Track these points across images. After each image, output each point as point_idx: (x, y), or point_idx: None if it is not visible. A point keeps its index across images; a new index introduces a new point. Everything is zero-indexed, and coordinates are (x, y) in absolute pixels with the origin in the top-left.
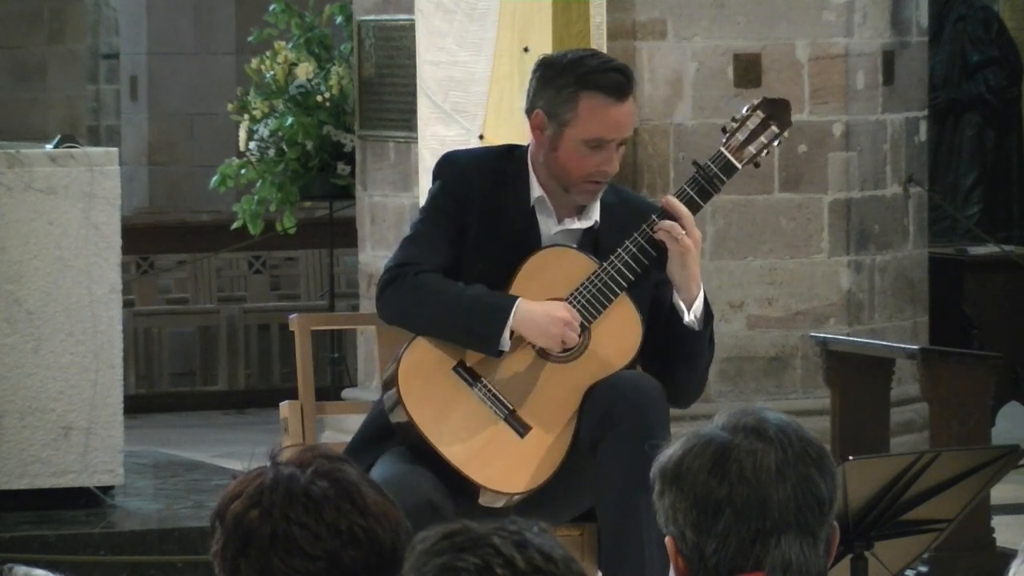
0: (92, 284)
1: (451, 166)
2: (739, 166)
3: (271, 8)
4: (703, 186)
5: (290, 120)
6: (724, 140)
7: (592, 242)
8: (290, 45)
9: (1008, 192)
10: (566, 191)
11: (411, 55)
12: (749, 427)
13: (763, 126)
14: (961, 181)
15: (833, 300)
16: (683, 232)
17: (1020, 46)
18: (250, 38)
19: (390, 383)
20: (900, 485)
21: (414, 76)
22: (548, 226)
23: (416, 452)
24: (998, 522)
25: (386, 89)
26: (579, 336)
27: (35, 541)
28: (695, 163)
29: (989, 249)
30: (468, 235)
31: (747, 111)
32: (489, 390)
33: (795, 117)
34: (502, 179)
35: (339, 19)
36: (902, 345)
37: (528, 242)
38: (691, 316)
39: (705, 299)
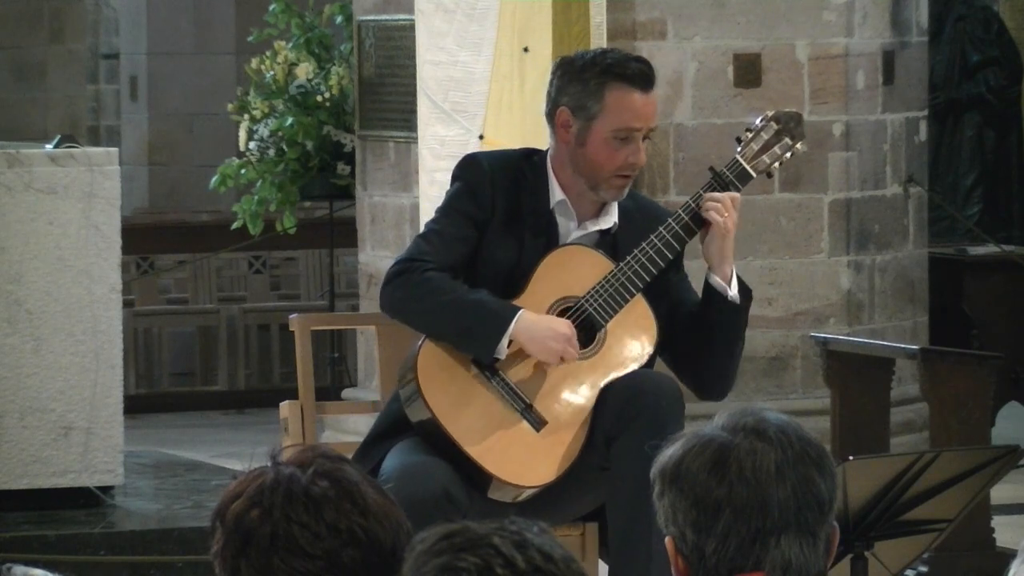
0: (92, 284)
1: (472, 167)
2: (754, 175)
3: (271, 8)
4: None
5: (290, 120)
6: (739, 149)
7: (610, 245)
8: (290, 45)
9: (1008, 192)
10: (593, 189)
11: (411, 55)
12: (749, 427)
13: (777, 137)
14: (961, 181)
15: (833, 300)
16: (732, 208)
17: (1020, 46)
18: (250, 38)
19: (407, 375)
20: (900, 485)
21: (414, 76)
22: (568, 228)
23: (430, 443)
24: (998, 522)
25: (386, 89)
26: (589, 346)
27: (35, 541)
28: (711, 169)
29: (989, 249)
30: (486, 236)
31: (761, 122)
32: (507, 384)
33: None
34: (522, 182)
35: (339, 19)
36: (902, 345)
37: (547, 244)
38: (733, 291)
39: (739, 276)
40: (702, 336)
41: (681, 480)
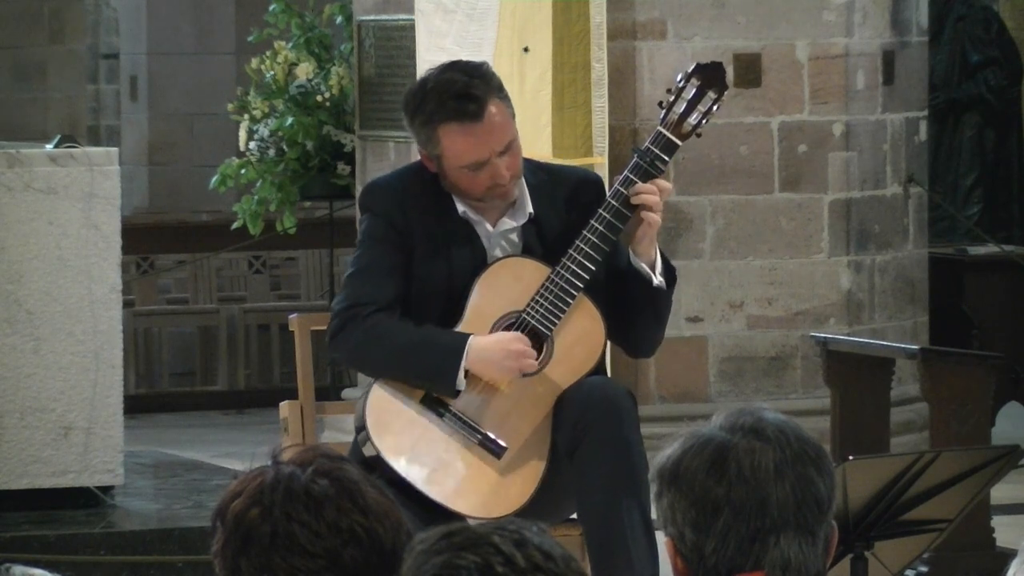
0: (92, 284)
1: (379, 194)
2: (680, 143)
3: (271, 8)
4: (646, 170)
5: (290, 120)
6: (661, 117)
7: (535, 232)
8: (290, 45)
9: (1008, 192)
10: (482, 201)
11: (411, 55)
12: (747, 427)
13: (699, 94)
14: (961, 181)
15: (833, 300)
16: (659, 203)
17: (1020, 46)
18: (250, 38)
19: (361, 429)
20: (900, 485)
21: (414, 76)
22: (485, 231)
23: (394, 485)
24: (998, 522)
25: (386, 89)
26: (538, 358)
27: (35, 541)
28: (634, 149)
29: (989, 249)
30: (413, 258)
31: (681, 81)
32: (459, 418)
33: (795, 117)
34: (430, 195)
35: (339, 19)
36: (902, 345)
37: (472, 251)
38: (659, 278)
39: (663, 256)
40: (629, 310)
41: (680, 480)
